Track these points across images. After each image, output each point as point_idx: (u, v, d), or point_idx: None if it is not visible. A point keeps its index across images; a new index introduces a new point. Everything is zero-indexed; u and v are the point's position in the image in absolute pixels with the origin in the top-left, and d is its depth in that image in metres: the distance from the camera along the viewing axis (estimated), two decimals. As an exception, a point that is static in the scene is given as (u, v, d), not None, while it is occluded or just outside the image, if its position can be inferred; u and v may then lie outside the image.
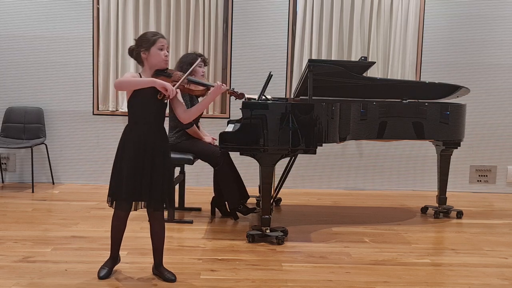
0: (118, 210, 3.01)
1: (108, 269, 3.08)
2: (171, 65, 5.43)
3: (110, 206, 3.00)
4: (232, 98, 4.89)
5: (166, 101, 2.96)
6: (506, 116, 5.88)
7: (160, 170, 2.95)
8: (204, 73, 4.50)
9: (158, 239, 3.07)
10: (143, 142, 2.91)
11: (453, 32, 5.77)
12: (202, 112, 4.66)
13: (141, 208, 3.02)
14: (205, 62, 4.49)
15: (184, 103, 3.13)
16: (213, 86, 3.15)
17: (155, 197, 2.95)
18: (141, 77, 2.96)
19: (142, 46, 2.96)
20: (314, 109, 3.85)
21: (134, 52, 3.00)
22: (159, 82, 2.85)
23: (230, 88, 3.25)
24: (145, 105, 2.91)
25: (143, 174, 2.91)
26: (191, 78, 3.09)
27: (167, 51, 3.00)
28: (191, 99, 4.42)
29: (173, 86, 2.92)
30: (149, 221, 3.06)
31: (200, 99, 3.87)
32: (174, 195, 3.10)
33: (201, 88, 3.11)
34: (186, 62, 4.42)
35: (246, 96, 4.38)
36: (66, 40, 5.58)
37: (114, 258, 3.13)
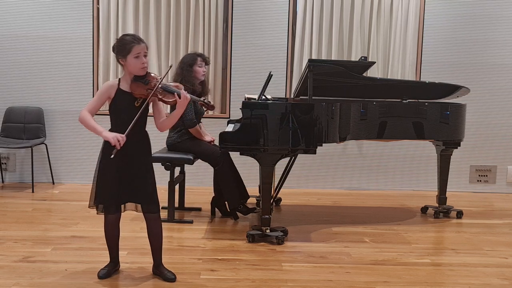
0: (107, 215, 3.02)
1: (108, 270, 3.08)
2: (174, 64, 5.46)
3: (96, 210, 3.01)
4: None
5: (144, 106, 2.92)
6: (507, 116, 5.88)
7: (144, 173, 2.96)
8: (205, 72, 4.49)
9: (157, 240, 3.07)
10: (124, 146, 2.87)
11: (453, 32, 5.77)
12: (204, 112, 4.69)
13: (133, 210, 3.02)
14: (206, 61, 4.49)
15: (162, 111, 3.04)
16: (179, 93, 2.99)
17: (148, 199, 2.97)
18: (119, 83, 2.94)
19: (119, 54, 2.94)
20: (314, 109, 3.85)
21: (116, 57, 3.00)
22: (104, 135, 2.83)
23: (201, 99, 3.14)
24: (124, 111, 2.91)
25: (128, 176, 2.92)
26: (165, 87, 2.97)
27: (145, 56, 2.94)
28: (194, 103, 4.41)
29: (148, 93, 2.89)
30: (146, 222, 3.06)
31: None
32: (154, 194, 3.05)
33: (172, 98, 2.96)
34: (186, 63, 4.43)
35: (246, 96, 4.40)
36: (66, 40, 5.58)
37: (115, 262, 3.14)
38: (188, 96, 2.97)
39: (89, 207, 3.04)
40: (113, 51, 3.02)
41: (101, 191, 2.97)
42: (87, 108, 2.93)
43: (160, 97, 2.96)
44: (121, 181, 2.93)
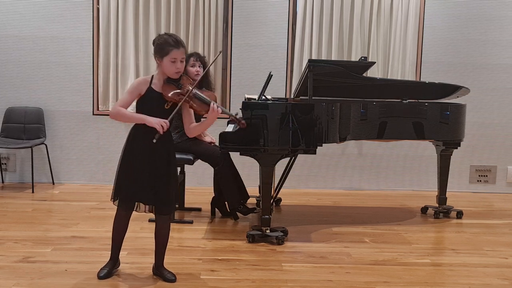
0: (121, 209, 3.02)
1: (108, 269, 3.08)
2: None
3: (114, 203, 3.01)
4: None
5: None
6: (507, 116, 5.88)
7: (165, 173, 2.96)
8: (199, 72, 4.42)
9: (162, 240, 3.07)
10: (149, 146, 2.89)
11: (453, 32, 5.77)
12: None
13: (145, 211, 3.02)
14: (200, 61, 4.42)
15: (193, 117, 3.06)
16: (209, 104, 2.98)
17: (163, 200, 2.96)
18: (152, 79, 2.93)
19: (157, 53, 2.92)
20: (314, 109, 3.85)
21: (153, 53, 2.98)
22: (149, 121, 2.83)
23: (233, 114, 3.15)
24: (152, 111, 2.89)
25: (149, 176, 2.92)
26: (197, 94, 2.96)
27: (181, 62, 2.91)
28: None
29: (180, 99, 2.89)
30: (155, 222, 3.06)
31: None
32: (173, 196, 3.09)
33: (203, 107, 2.95)
34: None
35: (246, 96, 4.39)
36: (66, 40, 5.58)
37: (114, 260, 3.13)
38: (220, 109, 2.96)
39: (111, 200, 3.01)
40: (153, 45, 2.98)
41: (120, 185, 2.96)
42: (119, 103, 2.92)
43: (191, 103, 2.93)
44: (142, 179, 2.92)
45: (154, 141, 2.82)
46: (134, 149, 2.95)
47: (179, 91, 2.91)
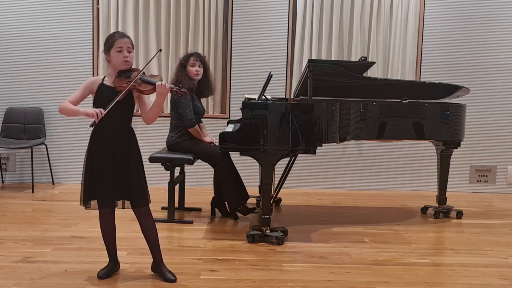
0: (102, 209, 3.02)
1: (108, 270, 3.08)
2: (173, 65, 5.46)
3: (87, 208, 3.00)
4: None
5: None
6: (506, 116, 5.88)
7: (130, 167, 2.96)
8: (199, 72, 4.44)
9: (151, 235, 3.06)
10: (108, 142, 2.93)
11: (453, 32, 5.77)
12: (204, 112, 4.69)
13: (121, 208, 3.02)
14: (200, 60, 4.43)
15: (147, 104, 3.05)
16: (155, 83, 2.98)
17: (136, 193, 2.97)
18: (103, 79, 2.99)
19: (104, 49, 3.00)
20: (314, 109, 3.85)
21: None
22: (84, 111, 2.90)
23: (174, 86, 3.12)
24: (107, 105, 2.90)
25: (114, 172, 2.93)
26: (143, 78, 2.98)
27: (128, 52, 2.95)
28: (192, 98, 4.42)
29: (126, 86, 2.91)
30: (137, 219, 3.05)
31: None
32: (146, 188, 3.05)
33: (149, 87, 2.97)
34: (180, 63, 4.46)
35: (246, 96, 4.40)
36: (66, 40, 5.58)
37: (114, 262, 3.14)
38: (167, 85, 2.96)
39: (80, 204, 3.02)
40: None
41: (88, 187, 2.96)
42: (68, 99, 2.97)
43: (138, 87, 2.96)
44: (108, 177, 2.93)
45: (89, 127, 2.90)
46: (94, 150, 2.97)
47: (128, 79, 2.95)
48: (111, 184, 2.94)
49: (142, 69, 3.02)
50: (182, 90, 3.04)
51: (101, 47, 5.47)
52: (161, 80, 2.98)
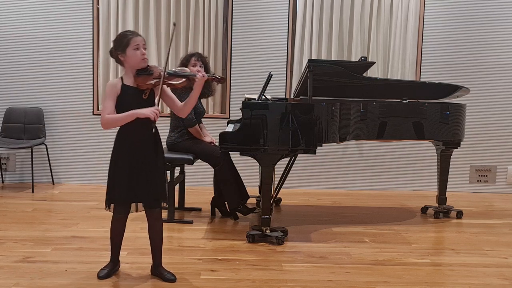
0: (118, 214, 3.02)
1: (108, 270, 3.08)
2: (173, 65, 5.46)
3: (108, 210, 3.01)
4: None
5: (156, 99, 2.93)
6: (506, 116, 5.88)
7: (153, 168, 2.95)
8: (200, 72, 4.44)
9: (157, 238, 3.07)
10: (135, 143, 2.91)
11: (453, 32, 5.77)
12: (204, 112, 4.70)
13: (136, 211, 3.03)
14: (201, 60, 4.44)
15: (175, 98, 3.08)
16: (194, 75, 3.02)
17: (151, 194, 2.96)
18: (122, 80, 2.94)
19: (118, 49, 2.92)
20: (314, 109, 3.85)
21: (114, 55, 2.98)
22: (140, 112, 2.83)
23: (211, 74, 3.13)
24: (133, 106, 2.88)
25: (139, 175, 2.92)
26: (170, 71, 2.99)
27: (144, 49, 2.93)
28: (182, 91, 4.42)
29: (155, 83, 2.90)
30: (147, 220, 3.06)
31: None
32: (167, 191, 3.08)
33: (181, 80, 2.98)
34: (181, 63, 4.45)
35: (246, 96, 4.40)
36: (66, 40, 5.58)
37: (114, 262, 3.14)
38: (205, 75, 2.99)
39: (106, 209, 3.01)
40: (111, 52, 2.99)
41: (113, 190, 2.95)
42: (105, 112, 2.89)
43: (169, 82, 2.94)
44: (134, 179, 2.92)
45: (153, 130, 2.83)
46: (122, 152, 2.94)
47: (152, 76, 2.92)
48: (135, 186, 2.92)
49: (166, 64, 2.98)
50: (221, 76, 3.06)
51: (102, 47, 5.55)
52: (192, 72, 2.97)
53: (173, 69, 3.06)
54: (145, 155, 2.93)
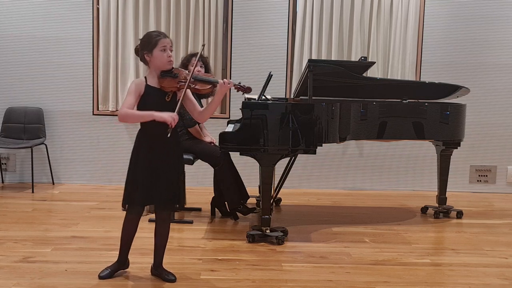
0: (131, 214, 3.02)
1: (111, 270, 3.08)
2: (174, 64, 5.46)
3: (124, 210, 3.02)
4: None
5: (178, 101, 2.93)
6: (506, 116, 5.88)
7: (171, 171, 2.95)
8: (201, 72, 4.44)
9: (162, 239, 3.07)
10: (156, 145, 2.91)
11: (453, 32, 5.77)
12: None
13: (148, 213, 3.03)
14: (203, 61, 4.45)
15: (196, 103, 3.08)
16: (218, 83, 3.02)
17: (166, 197, 2.95)
18: (146, 80, 2.93)
19: (145, 49, 2.92)
20: (314, 109, 3.85)
21: (139, 54, 2.98)
22: (157, 116, 2.81)
23: (236, 83, 3.14)
24: (154, 108, 2.87)
25: (157, 177, 2.91)
26: (197, 76, 3.01)
27: (171, 51, 2.93)
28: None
29: (179, 86, 2.90)
30: (155, 220, 3.06)
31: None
32: (180, 194, 3.08)
33: (207, 86, 3.00)
34: (182, 64, 4.45)
35: (246, 96, 4.40)
36: (66, 40, 5.58)
37: (121, 262, 3.12)
38: (231, 82, 3.00)
39: (122, 208, 3.01)
40: (137, 51, 3.00)
41: (132, 191, 2.94)
42: (125, 106, 2.86)
43: (193, 86, 2.94)
44: (152, 181, 2.91)
45: (169, 135, 2.81)
46: (142, 153, 2.93)
47: (177, 79, 2.92)
48: (153, 188, 2.91)
49: (194, 67, 2.99)
50: (247, 86, 3.05)
51: (102, 47, 5.55)
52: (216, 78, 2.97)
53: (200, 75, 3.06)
54: (164, 157, 2.93)
